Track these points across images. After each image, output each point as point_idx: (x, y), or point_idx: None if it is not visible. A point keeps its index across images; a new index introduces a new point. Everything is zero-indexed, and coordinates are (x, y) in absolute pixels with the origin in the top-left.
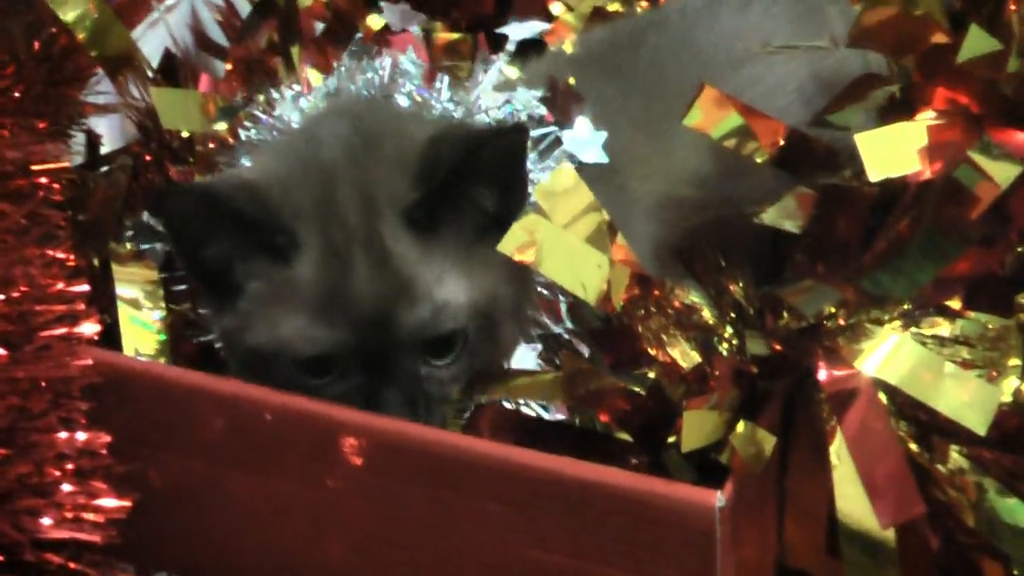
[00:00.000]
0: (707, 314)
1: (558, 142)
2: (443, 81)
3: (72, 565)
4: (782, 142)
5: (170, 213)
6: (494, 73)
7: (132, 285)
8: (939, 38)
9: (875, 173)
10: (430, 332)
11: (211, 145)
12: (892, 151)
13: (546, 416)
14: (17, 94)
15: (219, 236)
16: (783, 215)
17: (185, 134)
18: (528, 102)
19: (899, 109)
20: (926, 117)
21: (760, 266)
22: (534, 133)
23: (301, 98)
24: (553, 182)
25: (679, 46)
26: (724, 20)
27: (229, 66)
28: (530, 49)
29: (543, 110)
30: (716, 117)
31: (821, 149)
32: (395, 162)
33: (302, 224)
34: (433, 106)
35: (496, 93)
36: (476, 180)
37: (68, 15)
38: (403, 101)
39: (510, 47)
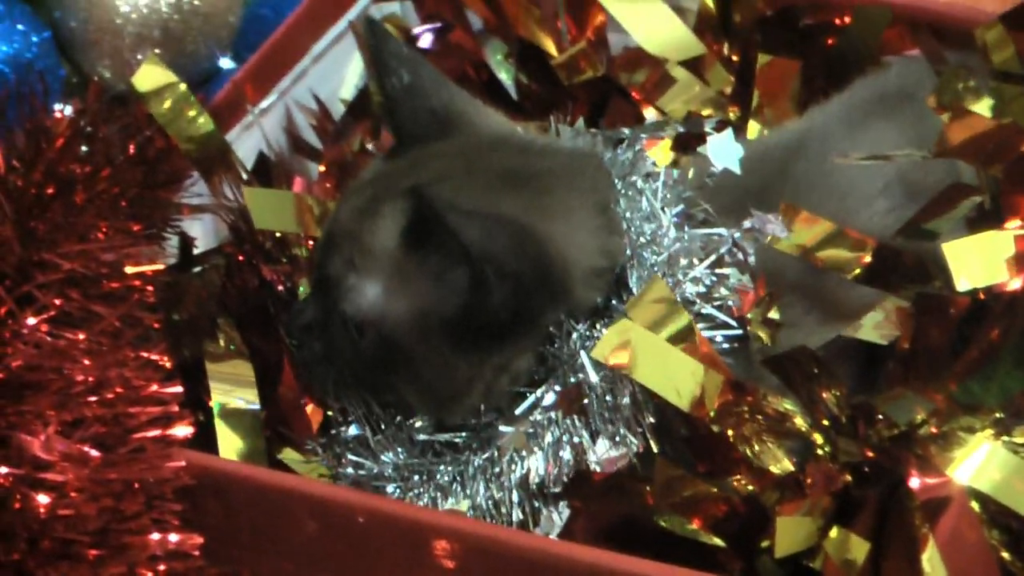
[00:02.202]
0: (800, 421)
1: None
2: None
3: None
4: (869, 257)
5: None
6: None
7: (226, 385)
8: None
9: (963, 283)
10: (340, 299)
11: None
12: (980, 261)
13: None
14: (112, 197)
15: None
16: (876, 328)
17: (278, 234)
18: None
19: (988, 218)
20: (1015, 227)
21: (853, 374)
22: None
23: None
24: (645, 293)
25: (820, 177)
26: (861, 149)
27: (322, 168)
28: None
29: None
30: (810, 236)
31: (910, 261)
32: (454, 177)
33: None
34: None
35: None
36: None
37: (164, 118)
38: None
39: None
